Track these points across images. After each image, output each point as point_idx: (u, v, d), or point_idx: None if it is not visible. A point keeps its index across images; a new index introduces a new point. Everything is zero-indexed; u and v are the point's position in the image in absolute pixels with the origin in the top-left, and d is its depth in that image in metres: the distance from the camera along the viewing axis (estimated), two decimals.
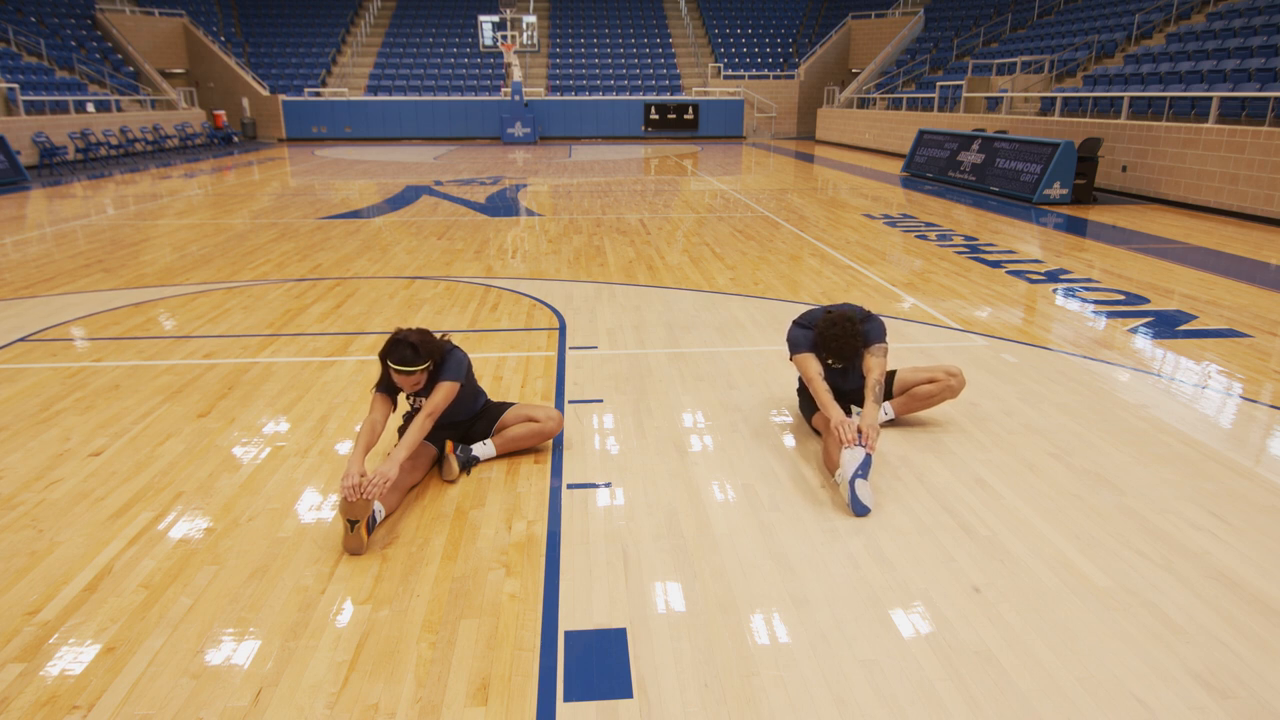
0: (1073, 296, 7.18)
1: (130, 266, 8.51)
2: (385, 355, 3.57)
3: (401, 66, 32.66)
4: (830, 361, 4.08)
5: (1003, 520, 3.44)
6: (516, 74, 29.31)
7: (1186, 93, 13.67)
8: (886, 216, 11.82)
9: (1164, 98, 13.90)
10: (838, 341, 3.91)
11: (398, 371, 3.54)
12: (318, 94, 29.94)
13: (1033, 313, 6.66)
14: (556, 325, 6.33)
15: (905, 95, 24.34)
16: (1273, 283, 7.71)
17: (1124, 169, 13.76)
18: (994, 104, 19.28)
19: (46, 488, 3.73)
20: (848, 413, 4.17)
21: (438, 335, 3.74)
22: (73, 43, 25.92)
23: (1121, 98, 14.70)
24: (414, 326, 3.72)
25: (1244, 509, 3.52)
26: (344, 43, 34.11)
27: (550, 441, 4.17)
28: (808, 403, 4.33)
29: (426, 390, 3.72)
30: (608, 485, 3.77)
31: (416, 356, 3.54)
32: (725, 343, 5.88)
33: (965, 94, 20.15)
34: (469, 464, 3.89)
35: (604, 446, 4.18)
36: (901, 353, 5.54)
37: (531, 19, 29.61)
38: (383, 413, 3.60)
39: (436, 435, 3.89)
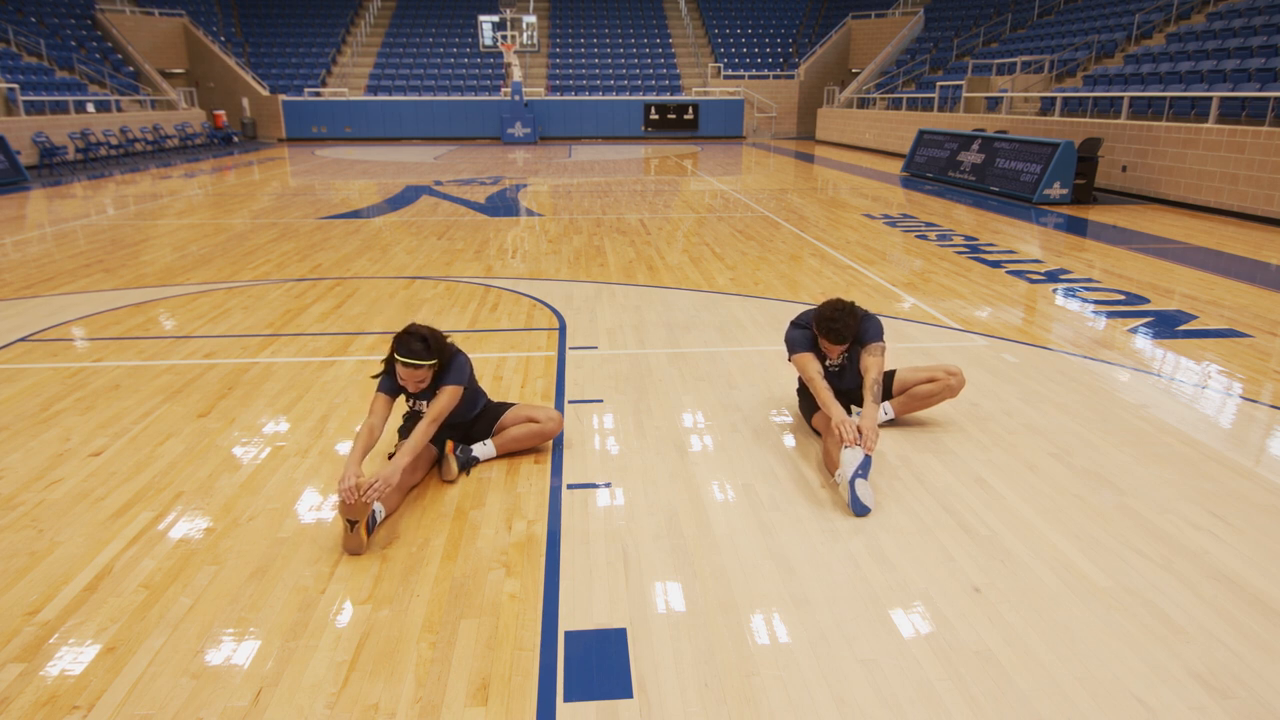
0: (1073, 296, 7.18)
1: (130, 266, 8.51)
2: (395, 347, 3.57)
3: (401, 66, 32.66)
4: (827, 362, 4.09)
5: (1003, 520, 3.44)
6: (516, 74, 29.30)
7: (1186, 93, 13.67)
8: (886, 216, 11.82)
9: (1164, 98, 13.90)
10: (836, 321, 3.88)
11: (404, 364, 3.54)
12: (318, 94, 29.93)
13: (1033, 313, 6.66)
14: (556, 325, 6.33)
15: (905, 95, 24.34)
16: (1273, 283, 7.71)
17: (1124, 169, 13.76)
18: (994, 104, 19.28)
19: (46, 488, 3.73)
20: (847, 412, 4.17)
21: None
22: (73, 43, 25.92)
23: (1121, 98, 14.70)
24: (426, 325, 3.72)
25: (1244, 509, 3.52)
26: (344, 43, 34.11)
27: (550, 441, 4.17)
28: (808, 403, 4.33)
29: (429, 393, 3.72)
30: (608, 485, 3.77)
31: (426, 351, 3.55)
32: (725, 343, 5.88)
33: (965, 94, 20.15)
34: (469, 464, 3.89)
35: (604, 446, 4.18)
36: (901, 353, 5.54)
37: (531, 19, 29.60)
38: (381, 416, 3.59)
39: (437, 435, 3.88)
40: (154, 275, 8.12)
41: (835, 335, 3.94)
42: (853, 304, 3.98)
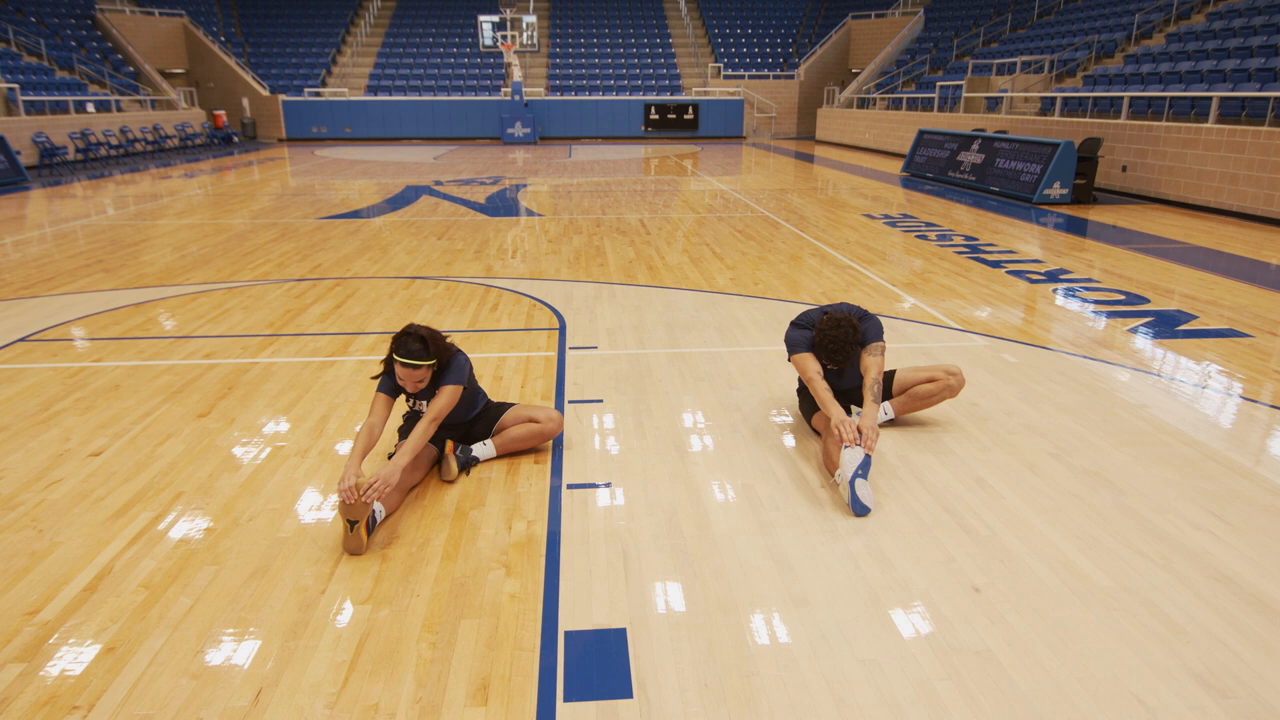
0: (1073, 296, 7.18)
1: (130, 266, 8.51)
2: (394, 347, 3.57)
3: (401, 66, 32.66)
4: (827, 364, 4.09)
5: (1003, 520, 3.44)
6: (516, 74, 29.31)
7: (1186, 93, 13.67)
8: (886, 216, 11.82)
9: (1164, 98, 13.90)
10: (836, 344, 3.91)
11: (403, 364, 3.54)
12: (318, 94, 29.93)
13: (1033, 313, 6.66)
14: (556, 325, 6.33)
15: (905, 95, 24.34)
16: (1273, 283, 7.71)
17: (1124, 169, 13.76)
18: (994, 104, 19.28)
19: (46, 488, 3.73)
20: (847, 413, 4.17)
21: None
22: (73, 43, 25.92)
23: (1121, 98, 14.71)
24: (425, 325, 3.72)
25: (1244, 509, 3.52)
26: (344, 43, 34.11)
27: (550, 442, 4.17)
28: (808, 403, 4.33)
29: (429, 393, 3.72)
30: (608, 485, 3.77)
31: (424, 352, 3.55)
32: (725, 343, 5.88)
33: (965, 94, 20.15)
34: (468, 464, 3.89)
35: (604, 446, 4.18)
36: (902, 353, 5.55)
37: (531, 19, 29.61)
38: (381, 416, 3.59)
39: (437, 435, 3.89)
40: (154, 275, 8.12)
41: (835, 360, 3.96)
42: (855, 325, 3.96)
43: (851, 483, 3.49)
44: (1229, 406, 4.71)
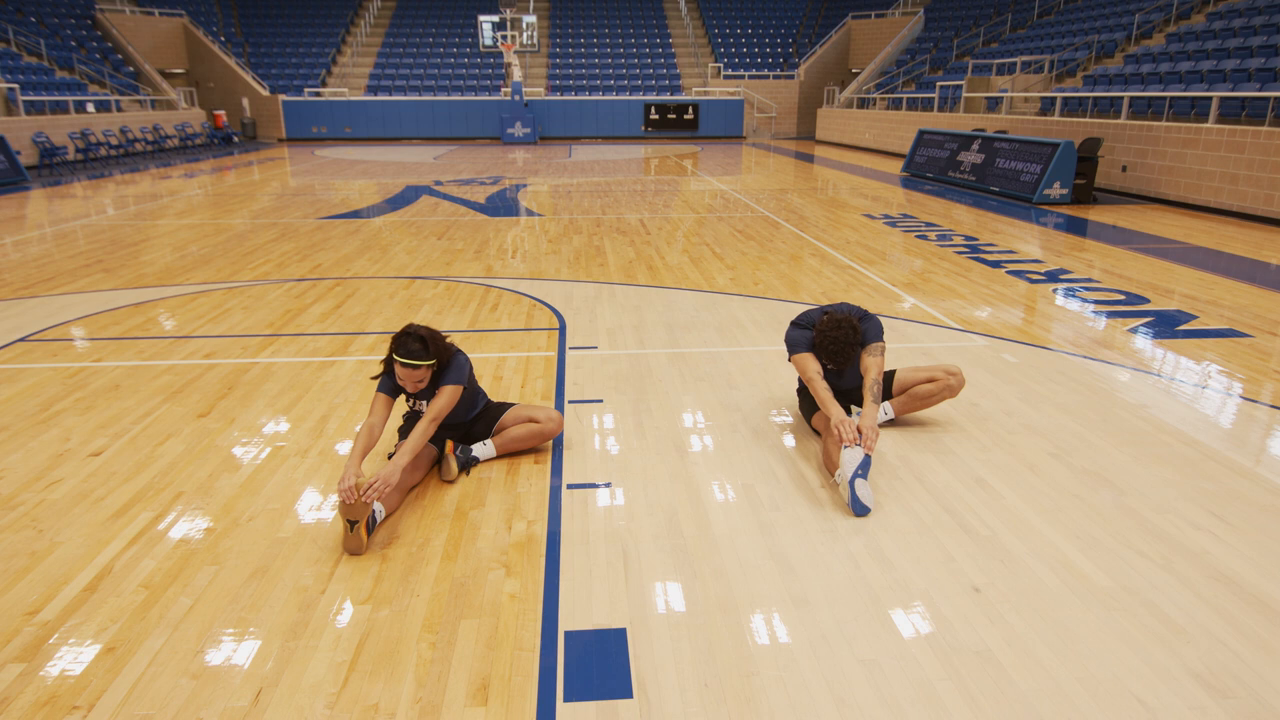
0: (1073, 296, 7.18)
1: (130, 266, 8.51)
2: (394, 347, 3.57)
3: (401, 66, 32.66)
4: (827, 364, 4.09)
5: (1003, 520, 3.44)
6: (516, 74, 29.31)
7: (1186, 93, 13.67)
8: (886, 216, 11.82)
9: (1164, 98, 13.90)
10: (837, 345, 3.91)
11: (403, 364, 3.54)
12: (318, 94, 29.93)
13: (1033, 313, 6.66)
14: (556, 325, 6.33)
15: (905, 95, 24.34)
16: (1273, 283, 7.71)
17: (1124, 169, 13.76)
18: (994, 104, 19.28)
19: (46, 488, 3.73)
20: (847, 413, 4.17)
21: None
22: (73, 43, 25.92)
23: (1121, 98, 14.71)
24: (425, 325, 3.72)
25: (1244, 509, 3.52)
26: (344, 43, 34.11)
27: (550, 442, 4.17)
28: (808, 403, 4.33)
29: (429, 393, 3.72)
30: (608, 485, 3.77)
31: (424, 352, 3.55)
32: (725, 343, 5.88)
33: (965, 94, 20.15)
34: (468, 464, 3.90)
35: (604, 446, 4.18)
36: (902, 353, 5.55)
37: (531, 19, 29.60)
38: (381, 416, 3.59)
39: (437, 435, 3.89)
40: (154, 275, 8.12)
41: (835, 360, 3.96)
42: (855, 326, 3.95)
43: (851, 483, 3.49)
44: (1229, 406, 4.71)
